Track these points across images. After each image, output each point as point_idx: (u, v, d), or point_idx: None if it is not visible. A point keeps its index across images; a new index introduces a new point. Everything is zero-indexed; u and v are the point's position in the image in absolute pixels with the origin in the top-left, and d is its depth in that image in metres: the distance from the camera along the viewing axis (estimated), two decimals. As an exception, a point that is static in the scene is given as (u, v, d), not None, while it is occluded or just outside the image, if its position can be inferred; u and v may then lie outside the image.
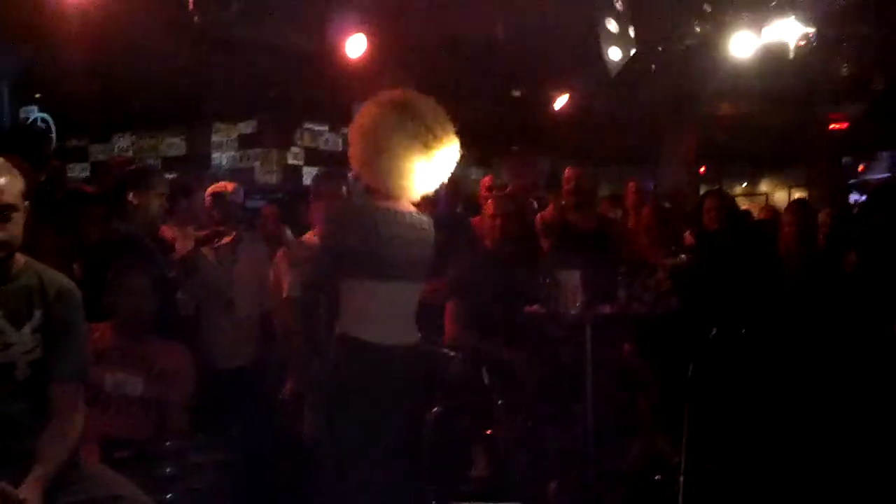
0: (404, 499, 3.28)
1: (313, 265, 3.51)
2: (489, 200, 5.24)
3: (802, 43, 7.81)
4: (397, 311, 3.33)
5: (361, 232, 3.22)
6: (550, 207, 5.87)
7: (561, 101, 10.29)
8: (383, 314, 3.27)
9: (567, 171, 5.49)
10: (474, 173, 13.52)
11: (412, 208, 3.40)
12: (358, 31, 7.46)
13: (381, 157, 3.27)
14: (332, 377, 3.25)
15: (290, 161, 10.83)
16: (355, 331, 3.23)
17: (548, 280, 4.40)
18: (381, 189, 3.33)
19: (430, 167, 3.34)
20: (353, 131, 3.39)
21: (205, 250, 4.88)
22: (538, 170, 6.39)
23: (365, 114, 3.37)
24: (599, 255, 4.81)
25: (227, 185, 5.18)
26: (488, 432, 4.31)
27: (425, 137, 3.30)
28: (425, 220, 3.45)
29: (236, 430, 3.58)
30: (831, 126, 12.95)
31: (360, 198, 3.46)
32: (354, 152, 3.36)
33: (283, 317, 4.60)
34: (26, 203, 2.78)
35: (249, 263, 4.98)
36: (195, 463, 3.40)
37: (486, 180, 7.40)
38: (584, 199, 5.39)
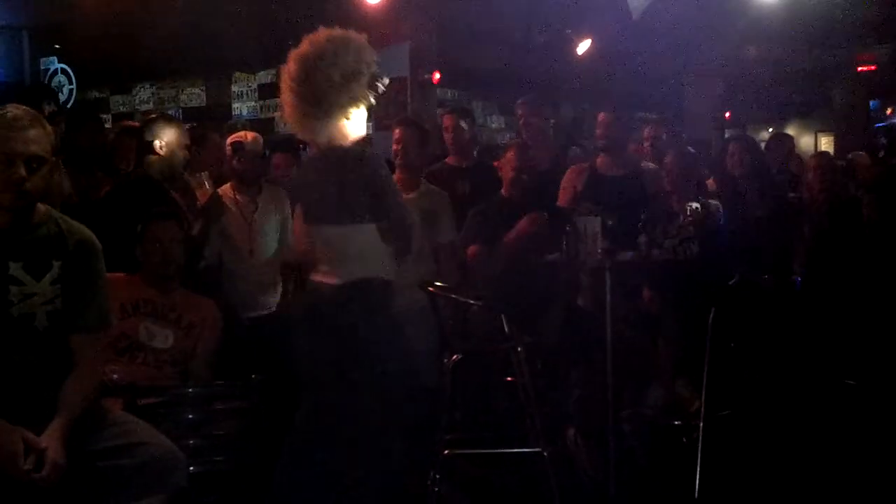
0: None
1: None
2: (509, 149, 5.19)
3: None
4: (334, 252, 3.44)
5: (303, 182, 3.49)
6: None
7: (584, 47, 10.16)
8: (324, 256, 3.47)
9: (600, 115, 5.42)
10: (495, 121, 13.45)
11: (344, 146, 3.42)
12: (376, -24, 7.38)
13: (320, 104, 3.32)
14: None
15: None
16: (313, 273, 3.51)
17: (567, 227, 4.38)
18: (316, 141, 3.44)
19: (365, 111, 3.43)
20: (284, 79, 3.41)
21: (225, 200, 4.91)
22: (546, 117, 6.26)
23: (296, 59, 3.36)
24: (627, 203, 4.75)
25: (247, 135, 5.18)
26: (508, 379, 4.33)
27: (368, 78, 3.35)
28: (365, 157, 3.41)
29: (257, 378, 3.60)
30: (859, 68, 12.73)
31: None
32: (289, 101, 3.39)
33: None
34: (54, 158, 2.80)
35: (270, 213, 5.00)
36: (217, 410, 3.45)
37: None
38: (613, 144, 5.31)
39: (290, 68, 3.40)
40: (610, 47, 10.17)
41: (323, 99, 3.34)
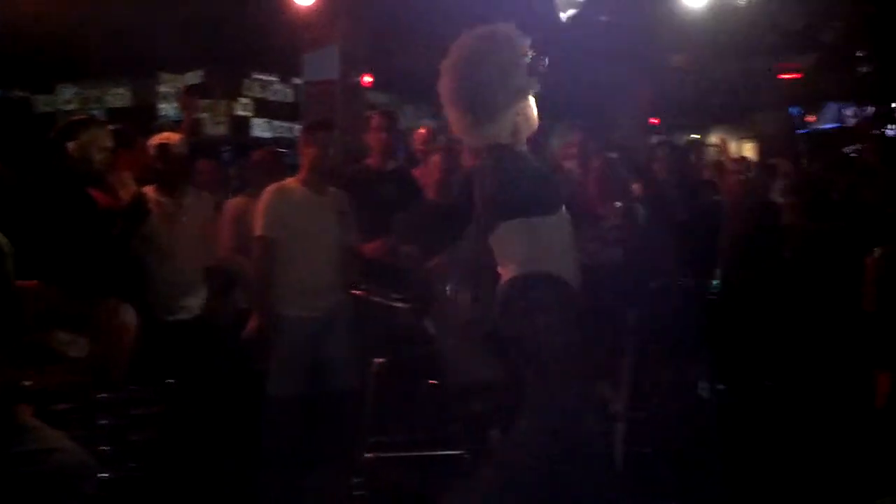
0: None
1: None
2: (436, 154, 5.20)
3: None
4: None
5: None
6: None
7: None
8: None
9: (576, 134, 5.54)
10: (427, 125, 13.44)
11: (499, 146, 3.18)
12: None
13: (483, 109, 3.08)
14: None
15: (239, 112, 10.72)
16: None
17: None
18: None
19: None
20: (442, 96, 3.17)
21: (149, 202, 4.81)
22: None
23: (447, 69, 3.14)
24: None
25: (172, 136, 5.09)
26: (432, 382, 4.32)
27: (527, 66, 3.13)
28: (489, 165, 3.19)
29: (176, 383, 3.54)
30: (781, 76, 13.05)
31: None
32: (454, 116, 3.14)
33: (254, 255, 4.61)
34: None
35: (194, 216, 4.92)
36: (132, 416, 3.39)
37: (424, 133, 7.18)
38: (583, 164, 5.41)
39: (443, 83, 3.18)
40: (538, 52, 10.25)
41: (486, 103, 3.11)
